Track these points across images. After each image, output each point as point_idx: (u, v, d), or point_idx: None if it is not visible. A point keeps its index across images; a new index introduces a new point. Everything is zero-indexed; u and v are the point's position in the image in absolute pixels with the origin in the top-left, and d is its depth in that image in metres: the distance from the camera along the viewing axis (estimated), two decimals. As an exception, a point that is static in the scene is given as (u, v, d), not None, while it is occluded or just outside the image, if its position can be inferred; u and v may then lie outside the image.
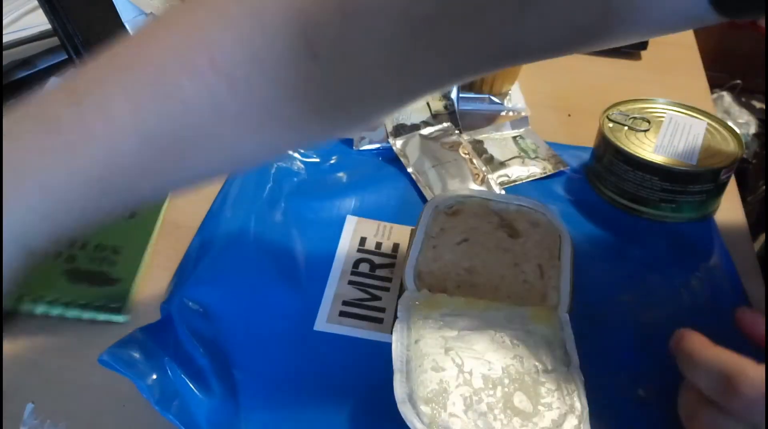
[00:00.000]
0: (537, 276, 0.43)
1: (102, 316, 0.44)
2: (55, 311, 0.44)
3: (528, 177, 0.58)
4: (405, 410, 0.33)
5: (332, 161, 0.59)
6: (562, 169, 0.59)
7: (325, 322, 0.45)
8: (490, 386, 0.35)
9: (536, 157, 0.60)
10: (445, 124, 0.62)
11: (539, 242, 0.45)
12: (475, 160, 0.58)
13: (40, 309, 0.43)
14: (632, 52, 0.81)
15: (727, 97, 1.77)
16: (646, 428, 0.39)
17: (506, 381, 0.36)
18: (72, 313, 0.44)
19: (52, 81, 0.66)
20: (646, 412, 0.39)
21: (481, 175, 0.56)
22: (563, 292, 0.42)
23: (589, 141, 0.60)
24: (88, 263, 0.46)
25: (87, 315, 0.44)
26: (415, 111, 0.62)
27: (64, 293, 0.44)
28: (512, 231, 0.46)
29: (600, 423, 0.35)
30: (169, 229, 0.52)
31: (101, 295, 0.45)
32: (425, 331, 0.38)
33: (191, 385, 0.38)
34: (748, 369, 0.31)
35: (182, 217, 0.53)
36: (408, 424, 0.33)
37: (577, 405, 0.35)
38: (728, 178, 0.53)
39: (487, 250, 0.44)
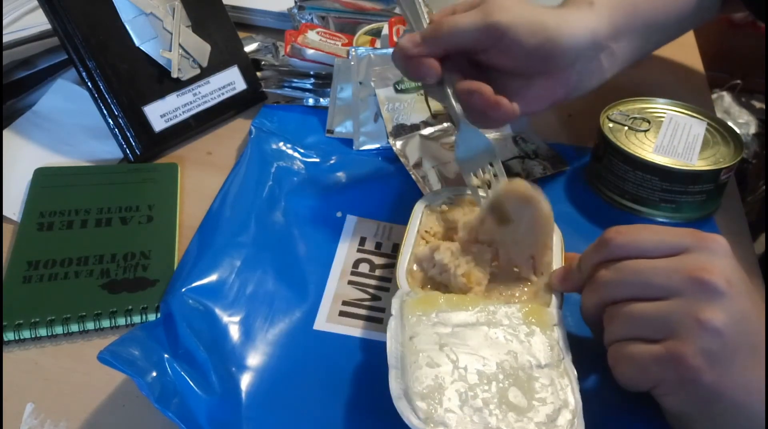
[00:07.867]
0: (530, 271, 0.43)
1: (136, 319, 0.45)
2: (89, 326, 0.44)
3: (528, 177, 0.58)
4: (401, 406, 0.33)
5: (332, 161, 0.59)
6: (562, 169, 0.59)
7: (324, 321, 0.45)
8: (485, 382, 0.35)
9: (536, 157, 0.60)
10: (445, 124, 0.62)
11: (531, 228, 0.43)
12: (475, 160, 0.58)
13: (73, 327, 0.44)
14: (632, 52, 0.80)
15: (727, 97, 1.78)
16: (638, 423, 0.39)
17: (501, 376, 0.36)
18: (105, 323, 0.44)
19: (57, 82, 0.66)
20: (639, 406, 0.39)
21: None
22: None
23: (589, 141, 0.60)
24: (123, 273, 0.47)
25: (121, 321, 0.44)
26: (415, 111, 0.62)
27: (105, 307, 0.45)
28: (502, 214, 0.44)
29: (594, 417, 0.35)
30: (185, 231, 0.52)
31: (142, 299, 0.45)
32: (419, 327, 0.38)
33: (191, 383, 0.38)
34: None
35: (195, 217, 0.54)
36: (404, 420, 0.33)
37: (571, 400, 0.35)
38: (728, 178, 0.53)
39: (479, 246, 0.44)
